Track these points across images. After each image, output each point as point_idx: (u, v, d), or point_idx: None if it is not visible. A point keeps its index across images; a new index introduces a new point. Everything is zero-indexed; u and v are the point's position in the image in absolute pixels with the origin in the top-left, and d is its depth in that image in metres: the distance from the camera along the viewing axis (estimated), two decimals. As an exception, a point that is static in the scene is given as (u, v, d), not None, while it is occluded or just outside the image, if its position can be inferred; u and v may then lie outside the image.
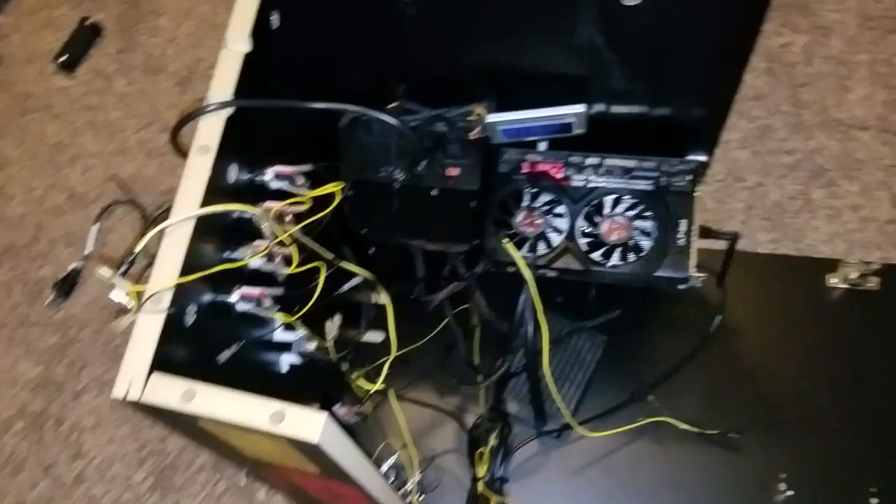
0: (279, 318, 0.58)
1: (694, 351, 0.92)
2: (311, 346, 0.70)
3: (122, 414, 1.04)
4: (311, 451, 0.48)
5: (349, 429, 0.86)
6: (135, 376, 0.48)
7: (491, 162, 0.81)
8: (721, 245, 0.86)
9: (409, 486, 0.88)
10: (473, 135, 0.76)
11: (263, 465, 0.64)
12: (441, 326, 0.93)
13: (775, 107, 1.12)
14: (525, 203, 0.80)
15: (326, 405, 0.83)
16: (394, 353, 0.71)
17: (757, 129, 1.11)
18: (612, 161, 0.78)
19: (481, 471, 0.89)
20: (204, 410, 0.48)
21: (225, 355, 0.55)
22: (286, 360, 0.71)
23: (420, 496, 0.90)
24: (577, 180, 0.80)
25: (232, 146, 0.57)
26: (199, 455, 1.00)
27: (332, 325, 0.70)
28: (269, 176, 0.62)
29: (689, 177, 0.77)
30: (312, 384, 0.78)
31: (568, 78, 0.71)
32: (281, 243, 0.59)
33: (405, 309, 0.95)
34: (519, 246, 0.79)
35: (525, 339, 0.81)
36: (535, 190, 0.81)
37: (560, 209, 0.80)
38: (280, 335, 0.67)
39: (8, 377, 1.09)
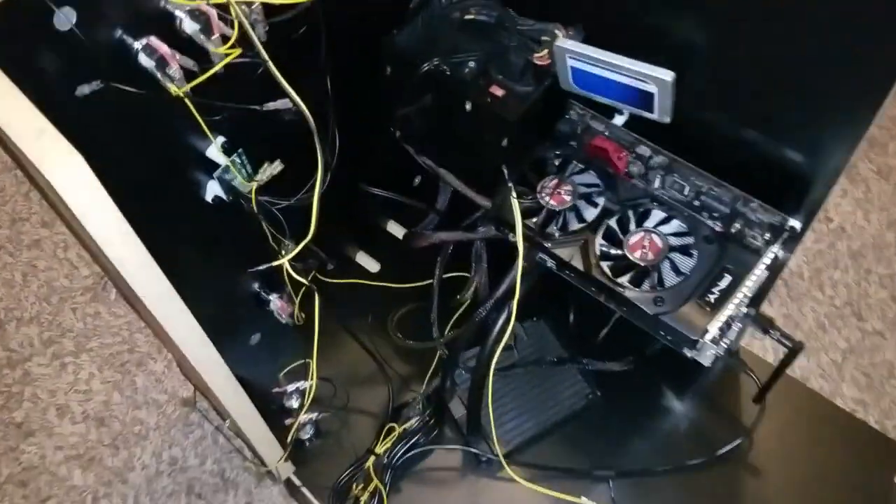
0: (171, 88, 0.48)
1: (690, 465, 0.73)
2: (241, 185, 0.59)
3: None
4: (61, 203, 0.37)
5: (281, 327, 0.75)
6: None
7: (552, 109, 0.66)
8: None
9: (300, 419, 0.75)
10: (539, 58, 0.62)
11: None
12: (427, 283, 0.80)
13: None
14: (564, 173, 0.65)
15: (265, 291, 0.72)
16: (310, 236, 0.59)
17: (914, 274, 0.88)
18: (683, 168, 0.61)
19: (381, 447, 0.75)
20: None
21: (83, 90, 0.45)
22: (212, 188, 0.60)
23: (310, 435, 0.77)
24: (638, 181, 0.64)
25: None
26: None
27: (268, 169, 0.58)
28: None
29: (768, 234, 0.59)
30: (252, 252, 0.67)
31: (666, 35, 0.55)
32: (225, 22, 0.49)
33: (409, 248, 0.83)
34: (530, 214, 0.64)
35: (487, 327, 0.66)
36: (583, 166, 0.65)
37: (598, 199, 0.64)
38: (208, 150, 0.57)
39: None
